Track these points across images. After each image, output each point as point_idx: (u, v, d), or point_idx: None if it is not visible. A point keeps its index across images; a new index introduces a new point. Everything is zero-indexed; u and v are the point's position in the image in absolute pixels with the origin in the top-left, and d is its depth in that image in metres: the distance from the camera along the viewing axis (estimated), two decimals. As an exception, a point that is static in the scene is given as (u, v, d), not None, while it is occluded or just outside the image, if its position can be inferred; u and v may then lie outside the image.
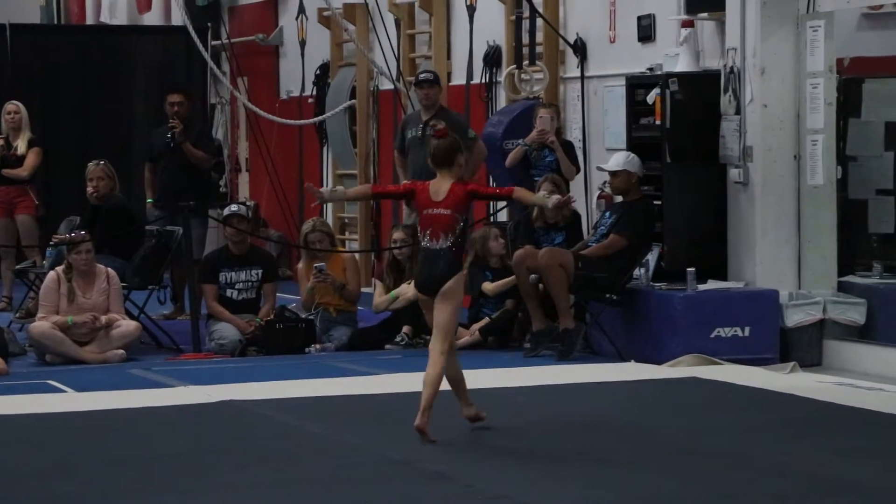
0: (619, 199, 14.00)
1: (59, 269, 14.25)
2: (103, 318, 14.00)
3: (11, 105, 17.88)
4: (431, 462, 9.39)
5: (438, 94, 15.57)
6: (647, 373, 12.82)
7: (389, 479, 9.02)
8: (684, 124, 13.69)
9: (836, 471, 9.12)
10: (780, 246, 13.41)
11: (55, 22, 27.23)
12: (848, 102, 13.66)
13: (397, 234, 15.12)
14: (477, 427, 10.36)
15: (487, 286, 14.38)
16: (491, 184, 16.16)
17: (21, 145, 17.63)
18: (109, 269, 14.40)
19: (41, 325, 13.94)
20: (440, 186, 10.19)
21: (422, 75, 15.96)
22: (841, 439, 10.14)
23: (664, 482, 8.87)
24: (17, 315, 15.62)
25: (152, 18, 24.11)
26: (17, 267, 17.02)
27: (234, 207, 15.49)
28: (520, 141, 14.71)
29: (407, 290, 14.61)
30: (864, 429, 10.53)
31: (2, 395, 12.19)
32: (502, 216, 16.09)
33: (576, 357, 13.51)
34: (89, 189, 15.98)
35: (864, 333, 13.20)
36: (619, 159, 13.75)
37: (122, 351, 13.98)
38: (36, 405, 11.79)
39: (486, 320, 14.38)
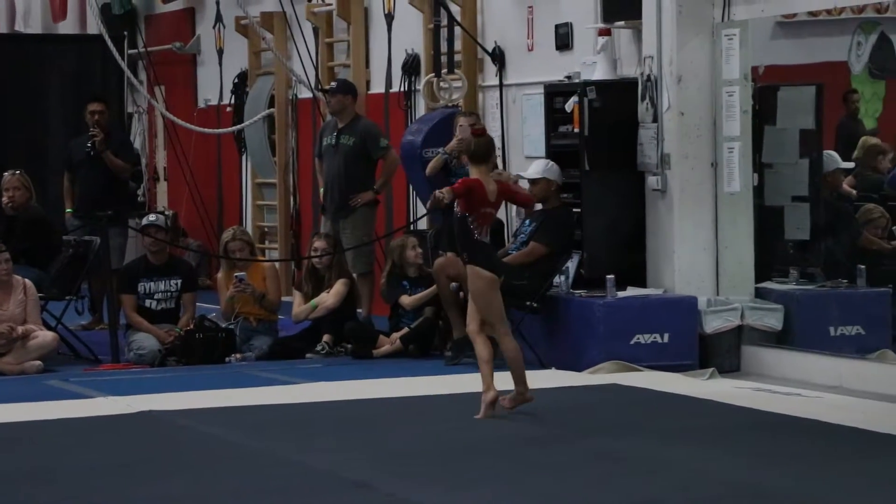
0: (538, 206, 14.02)
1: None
2: (20, 329, 13.90)
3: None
4: (353, 471, 9.38)
5: (346, 102, 15.55)
6: (567, 380, 12.87)
7: (312, 489, 9.01)
8: (602, 132, 13.73)
9: (754, 477, 9.16)
10: (698, 253, 13.48)
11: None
12: (763, 110, 13.75)
13: (318, 243, 15.08)
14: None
15: (405, 300, 14.38)
16: (410, 190, 16.22)
17: (-65, 155, 17.53)
18: (26, 279, 14.30)
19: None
20: (489, 186, 10.97)
21: (330, 85, 16.04)
22: (759, 445, 10.19)
23: (587, 490, 8.90)
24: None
25: (68, 27, 23.99)
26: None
27: (151, 217, 15.43)
28: (440, 149, 14.70)
29: (326, 298, 14.61)
30: (781, 434, 10.60)
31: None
32: (422, 224, 16.11)
33: (496, 365, 13.53)
34: (4, 199, 15.89)
35: (781, 339, 13.30)
36: (539, 167, 13.78)
37: (39, 362, 13.89)
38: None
39: (405, 329, 14.37)
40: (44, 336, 14.09)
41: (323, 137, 15.80)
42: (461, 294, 13.65)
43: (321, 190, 16.03)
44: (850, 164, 14.58)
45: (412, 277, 14.48)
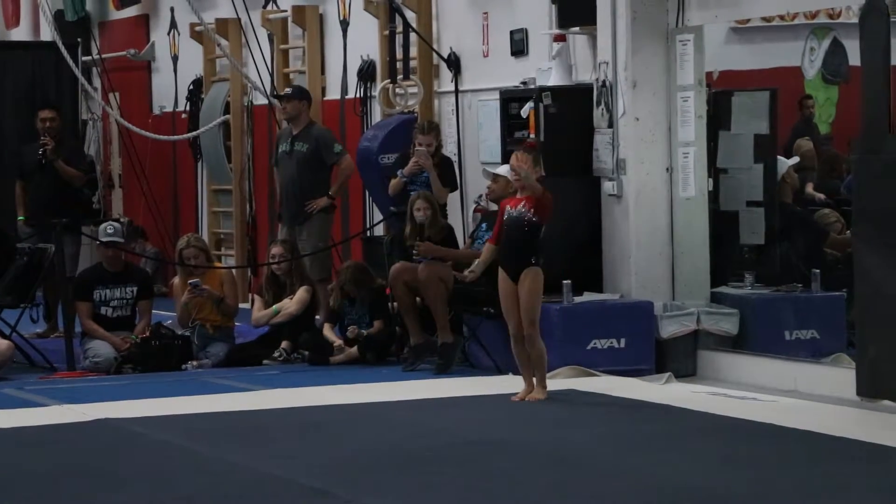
0: (493, 208, 14.06)
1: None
2: (-24, 338, 13.93)
3: None
4: (311, 478, 9.40)
5: (299, 107, 15.65)
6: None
7: (269, 497, 9.02)
8: (558, 137, 13.81)
9: (710, 481, 9.22)
10: (654, 258, 13.56)
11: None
12: (718, 115, 13.83)
13: (275, 250, 15.14)
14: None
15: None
16: (367, 197, 16.26)
17: None
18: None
19: None
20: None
21: (284, 91, 16.11)
22: (715, 449, 10.24)
23: (541, 495, 8.93)
24: None
25: (20, 34, 23.96)
26: None
27: (110, 231, 15.33)
28: (401, 171, 14.64)
29: (289, 304, 14.65)
30: (737, 438, 10.65)
31: None
32: (378, 230, 16.14)
33: (454, 370, 13.58)
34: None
35: (736, 343, 13.38)
36: (504, 169, 13.79)
37: (-8, 370, 13.92)
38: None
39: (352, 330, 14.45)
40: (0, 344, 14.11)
41: (279, 145, 15.87)
42: (418, 300, 13.71)
43: (277, 197, 16.08)
44: (795, 160, 14.63)
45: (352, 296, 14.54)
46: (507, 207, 11.98)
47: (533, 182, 11.79)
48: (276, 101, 17.31)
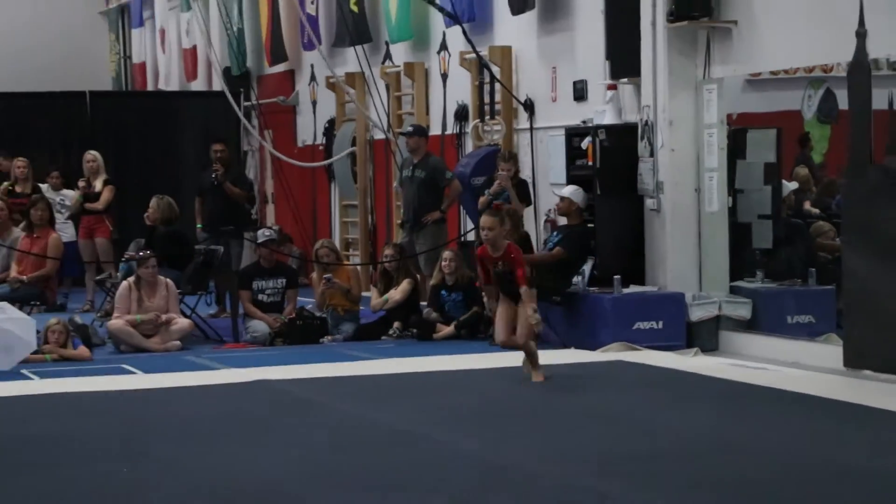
0: (562, 221, 14.03)
1: (130, 279, 14.27)
2: (164, 317, 14.03)
3: (90, 154, 17.92)
4: (415, 426, 9.40)
5: (421, 142, 15.65)
6: (583, 357, 12.86)
7: (380, 440, 9.05)
8: (610, 165, 13.71)
9: (727, 432, 9.18)
10: (685, 258, 13.45)
11: (124, 89, 27.22)
12: (736, 147, 13.68)
13: (388, 251, 15.19)
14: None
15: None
16: (462, 214, 16.26)
17: (98, 184, 17.65)
18: (168, 279, 14.42)
19: (116, 322, 13.96)
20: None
21: (407, 128, 16.11)
22: (733, 408, 10.19)
23: (594, 442, 8.90)
24: (98, 315, 15.64)
25: (198, 85, 24.15)
26: (97, 278, 17.06)
27: (267, 233, 15.46)
28: (487, 190, 14.65)
29: (395, 294, 14.67)
30: (750, 399, 10.59)
31: (87, 376, 12.23)
32: (470, 236, 16.14)
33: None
34: (147, 214, 16.14)
35: (750, 325, 13.23)
36: (570, 189, 13.85)
37: (178, 342, 14.00)
38: (112, 384, 11.82)
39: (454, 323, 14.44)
40: (181, 322, 14.20)
41: (402, 170, 15.93)
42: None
43: (401, 210, 16.14)
44: (795, 184, 14.57)
45: (449, 285, 14.51)
46: (489, 267, 11.25)
47: (499, 241, 11.11)
48: (391, 136, 17.35)
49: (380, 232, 19.09)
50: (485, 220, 11.17)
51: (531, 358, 11.37)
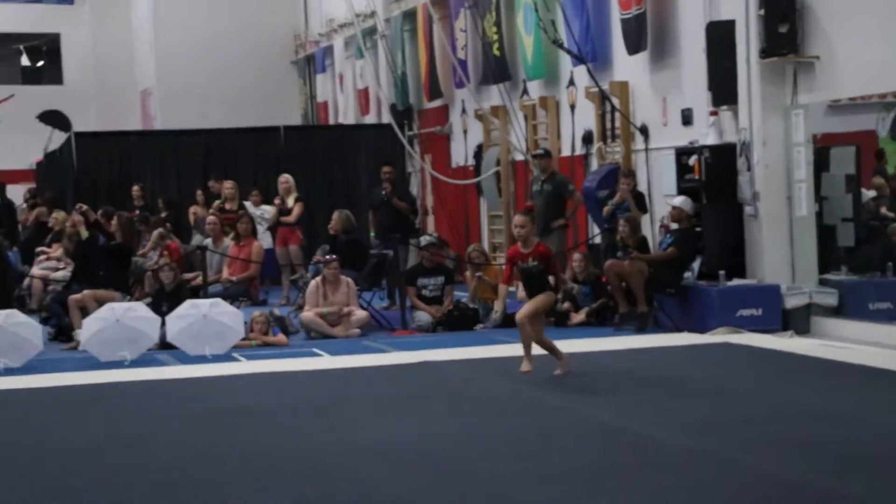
0: (674, 226, 13.82)
1: (318, 278, 14.35)
2: (345, 309, 14.06)
3: (284, 177, 18.10)
4: (554, 398, 9.30)
5: (548, 162, 15.63)
6: (694, 339, 12.64)
7: (523, 408, 8.98)
8: (714, 178, 13.48)
9: (819, 402, 8.99)
10: (779, 255, 13.17)
11: (310, 123, 27.50)
12: (821, 162, 13.41)
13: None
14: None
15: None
16: (589, 221, 16.09)
17: (290, 201, 17.82)
18: (348, 278, 14.46)
19: (307, 314, 14.03)
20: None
21: (538, 151, 16.05)
22: (822, 381, 9.98)
23: (708, 410, 8.76)
24: (293, 308, 15.74)
25: (370, 119, 24.28)
26: (291, 278, 17.21)
27: (428, 239, 15.49)
28: (610, 201, 14.53)
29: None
30: (837, 374, 10.34)
31: (284, 358, 12.31)
32: (596, 240, 15.98)
33: (647, 330, 13.35)
34: (330, 226, 16.26)
35: (837, 312, 12.91)
36: (680, 200, 13.68)
37: (358, 330, 14.03)
38: (305, 365, 11.88)
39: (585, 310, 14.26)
40: (360, 314, 14.23)
41: (533, 185, 15.82)
42: (623, 284, 13.48)
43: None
44: (873, 192, 14.26)
45: (580, 281, 14.35)
46: (519, 262, 10.41)
47: (531, 238, 10.38)
48: (530, 158, 17.25)
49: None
50: (518, 219, 10.49)
51: (554, 352, 10.48)
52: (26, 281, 17.08)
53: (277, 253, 17.89)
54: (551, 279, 10.37)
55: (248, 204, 18.73)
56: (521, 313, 10.37)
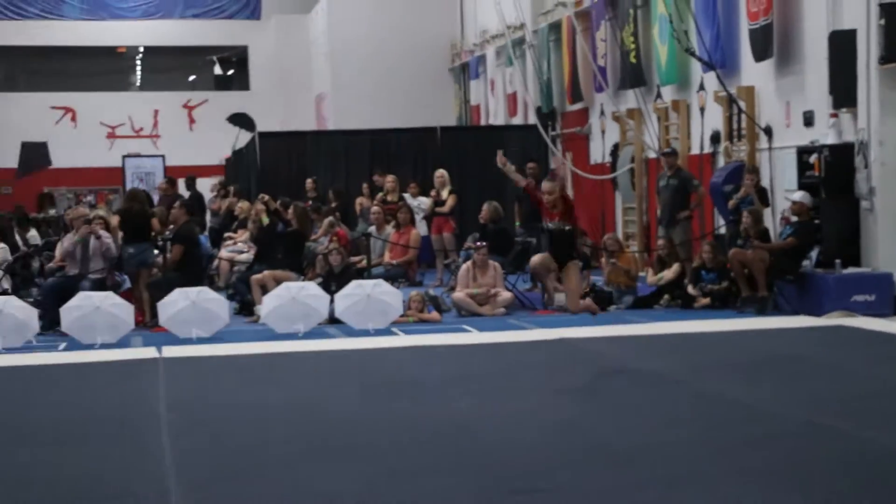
0: (794, 218, 13.48)
1: (468, 263, 14.37)
2: (492, 291, 14.05)
3: (439, 171, 18.20)
4: (678, 374, 9.15)
5: (675, 160, 15.38)
6: (811, 322, 12.33)
7: (653, 385, 8.81)
8: (833, 175, 13.12)
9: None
10: (892, 246, 12.77)
11: (464, 124, 27.56)
12: (934, 160, 12.97)
13: (660, 241, 14.89)
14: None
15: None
16: (715, 213, 15.78)
17: (444, 194, 17.89)
18: (495, 263, 14.44)
19: (459, 294, 14.07)
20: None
21: (665, 150, 15.83)
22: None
23: (819, 387, 8.53)
24: (446, 289, 15.76)
25: (517, 120, 24.23)
26: (445, 262, 17.29)
27: (567, 228, 15.34)
28: (736, 195, 14.25)
29: (668, 273, 14.37)
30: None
31: (437, 333, 12.37)
32: (721, 231, 15.67)
33: (767, 313, 13.05)
34: (481, 215, 16.26)
35: (945, 298, 12.51)
36: (800, 194, 13.36)
37: (503, 309, 14.00)
38: (456, 340, 11.91)
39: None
40: (505, 294, 14.20)
41: (660, 180, 15.59)
42: (745, 270, 13.18)
43: (658, 210, 15.82)
44: None
45: (708, 268, 14.00)
46: (547, 222, 10.95)
47: (558, 203, 10.94)
48: (660, 156, 17.03)
49: (652, 228, 18.72)
50: (546, 186, 11.24)
51: (589, 307, 10.47)
52: (215, 262, 17.50)
53: (433, 240, 17.99)
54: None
55: (407, 196, 18.86)
56: (572, 305, 10.15)
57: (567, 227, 10.06)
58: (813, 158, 13.41)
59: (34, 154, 30.13)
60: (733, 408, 7.83)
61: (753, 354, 10.27)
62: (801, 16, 14.53)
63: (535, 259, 13.95)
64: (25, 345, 11.97)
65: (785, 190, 14.52)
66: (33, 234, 18.22)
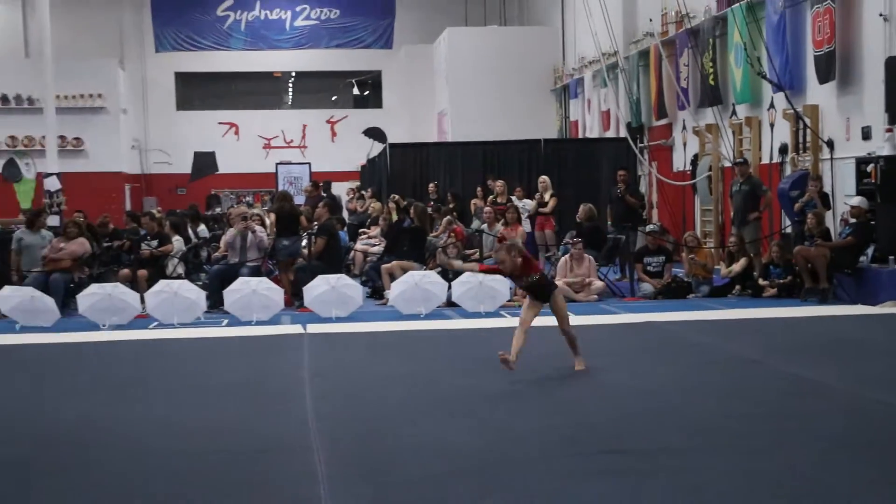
0: (853, 220, 13.11)
1: (567, 256, 14.32)
2: (587, 280, 13.98)
3: (543, 177, 18.13)
4: (749, 353, 8.99)
5: (746, 168, 15.01)
6: (867, 311, 12.00)
7: (731, 365, 8.67)
8: (888, 182, 12.75)
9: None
10: (942, 245, 12.35)
11: (564, 137, 27.39)
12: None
13: (732, 239, 14.60)
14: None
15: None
16: (783, 215, 15.43)
17: (546, 196, 17.83)
18: (589, 255, 14.36)
19: (558, 283, 13.92)
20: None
21: (738, 160, 15.52)
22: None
23: (876, 368, 8.28)
24: (545, 278, 15.77)
25: (610, 134, 24.00)
26: (546, 255, 17.17)
27: (652, 227, 15.24)
28: (801, 199, 13.93)
29: (736, 267, 14.12)
30: None
31: (540, 316, 12.26)
32: (787, 230, 15.33)
33: (828, 302, 12.73)
34: (579, 214, 16.16)
35: None
36: (858, 199, 13.00)
37: (596, 296, 13.94)
38: (555, 321, 11.70)
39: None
40: (598, 284, 14.12)
41: (733, 186, 15.30)
42: (809, 265, 12.87)
43: (732, 212, 15.53)
44: None
45: (776, 263, 13.70)
46: (519, 281, 8.45)
47: (514, 269, 8.23)
48: (735, 165, 16.71)
49: (726, 227, 18.39)
50: (496, 258, 8.39)
51: (572, 345, 8.52)
52: (352, 253, 17.75)
53: (536, 236, 17.95)
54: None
55: (514, 198, 18.86)
56: (562, 326, 8.42)
57: (535, 278, 8.45)
58: (870, 168, 13.04)
59: (204, 162, 31.34)
60: (798, 384, 7.67)
61: (816, 338, 10.04)
62: (860, 43, 14.18)
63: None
64: (195, 321, 12.33)
65: (844, 195, 14.15)
66: (202, 229, 18.71)
